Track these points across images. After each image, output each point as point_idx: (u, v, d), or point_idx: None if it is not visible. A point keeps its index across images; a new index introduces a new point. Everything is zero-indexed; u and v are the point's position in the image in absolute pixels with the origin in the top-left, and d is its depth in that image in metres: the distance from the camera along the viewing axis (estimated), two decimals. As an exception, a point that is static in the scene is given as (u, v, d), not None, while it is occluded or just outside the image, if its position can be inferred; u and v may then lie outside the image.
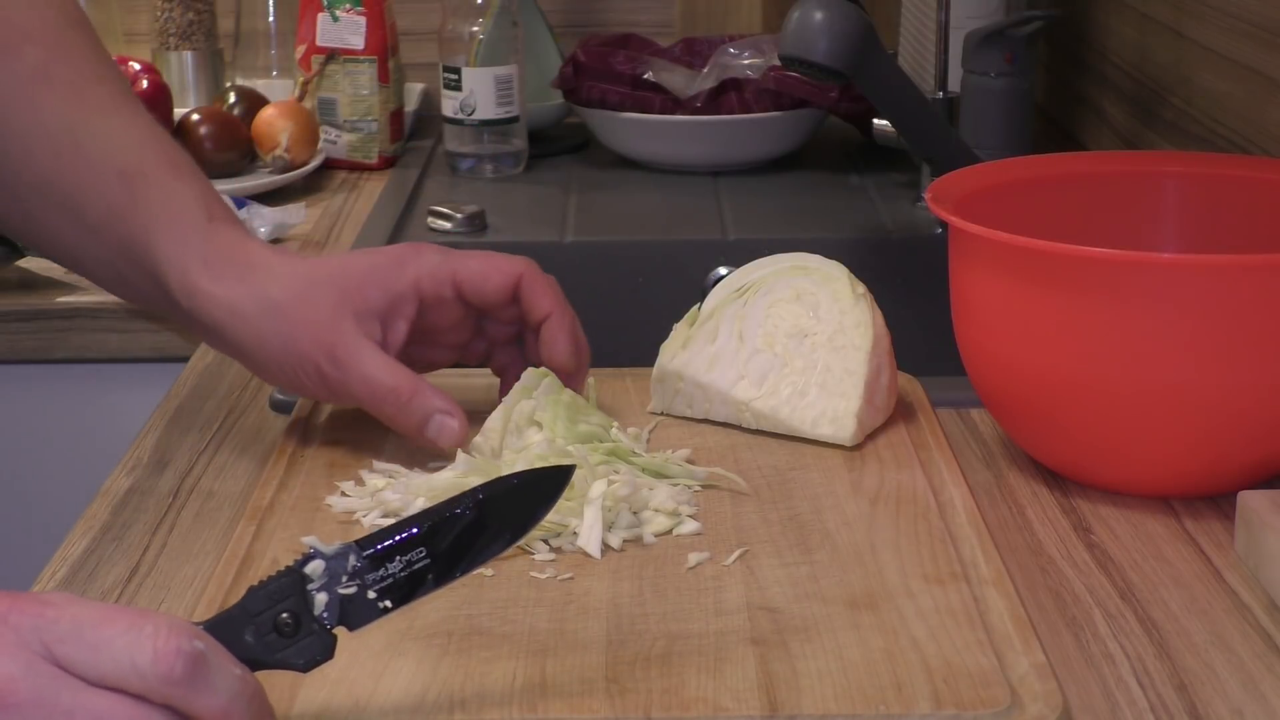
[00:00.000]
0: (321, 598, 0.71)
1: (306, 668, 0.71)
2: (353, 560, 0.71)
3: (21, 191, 1.04)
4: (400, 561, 0.72)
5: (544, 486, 0.76)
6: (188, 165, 1.04)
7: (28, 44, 1.04)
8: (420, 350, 1.03)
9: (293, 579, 0.71)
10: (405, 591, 0.72)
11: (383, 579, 0.72)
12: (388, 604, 0.72)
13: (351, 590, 0.71)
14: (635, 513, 0.91)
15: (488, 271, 1.00)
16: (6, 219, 1.08)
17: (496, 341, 1.05)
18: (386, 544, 0.72)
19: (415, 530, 0.72)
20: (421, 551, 0.72)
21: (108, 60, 1.07)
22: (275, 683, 0.75)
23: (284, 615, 0.70)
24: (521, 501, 0.75)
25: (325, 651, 0.71)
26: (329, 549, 0.71)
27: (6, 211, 1.07)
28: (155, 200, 1.01)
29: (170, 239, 1.00)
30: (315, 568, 0.71)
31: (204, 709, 0.66)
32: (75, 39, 1.06)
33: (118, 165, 1.02)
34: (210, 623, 0.70)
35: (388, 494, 0.93)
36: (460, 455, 0.94)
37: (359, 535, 0.90)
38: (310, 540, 0.73)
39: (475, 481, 0.90)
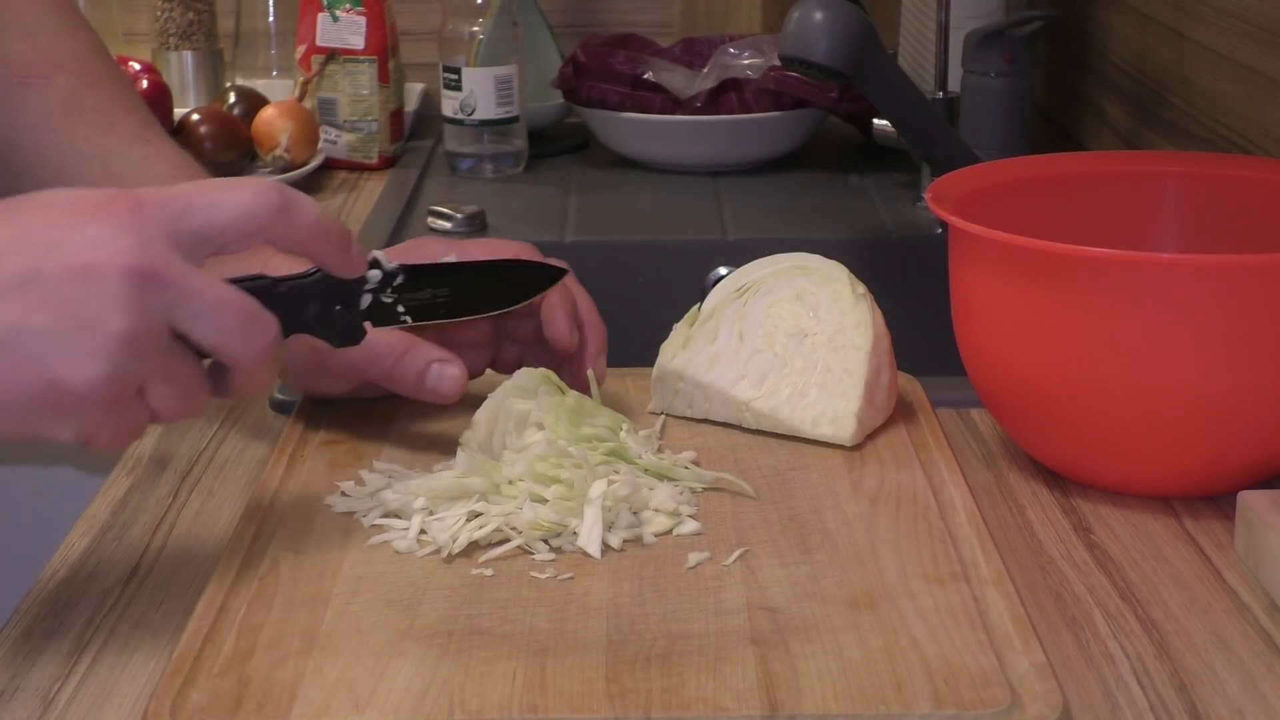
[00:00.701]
0: (367, 298, 0.90)
1: (338, 345, 0.89)
2: (401, 279, 0.91)
3: None
4: (429, 291, 0.92)
5: (543, 275, 0.98)
6: None
7: (59, 73, 1.07)
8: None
9: (356, 279, 0.88)
10: (422, 314, 0.92)
11: (413, 299, 0.91)
12: (408, 319, 0.92)
13: (389, 300, 0.90)
14: (635, 513, 0.91)
15: (484, 254, 1.01)
16: None
17: (522, 340, 1.05)
18: (426, 274, 0.92)
19: (449, 271, 0.93)
20: (446, 289, 0.93)
21: (133, 90, 1.11)
22: (275, 682, 0.76)
23: (336, 306, 0.88)
24: (523, 280, 0.97)
25: (356, 338, 0.90)
26: (390, 265, 0.90)
27: None
28: None
29: None
30: (374, 275, 0.89)
31: (305, 227, 0.82)
32: (102, 69, 1.10)
33: None
34: (285, 284, 0.86)
35: (388, 494, 0.93)
36: (460, 455, 0.94)
37: (360, 533, 0.90)
38: (378, 254, 0.90)
39: (475, 481, 0.91)
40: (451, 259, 0.96)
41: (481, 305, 0.96)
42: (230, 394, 0.83)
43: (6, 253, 0.76)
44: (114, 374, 0.76)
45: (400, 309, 0.91)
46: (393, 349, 0.99)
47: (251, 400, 0.86)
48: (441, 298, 0.93)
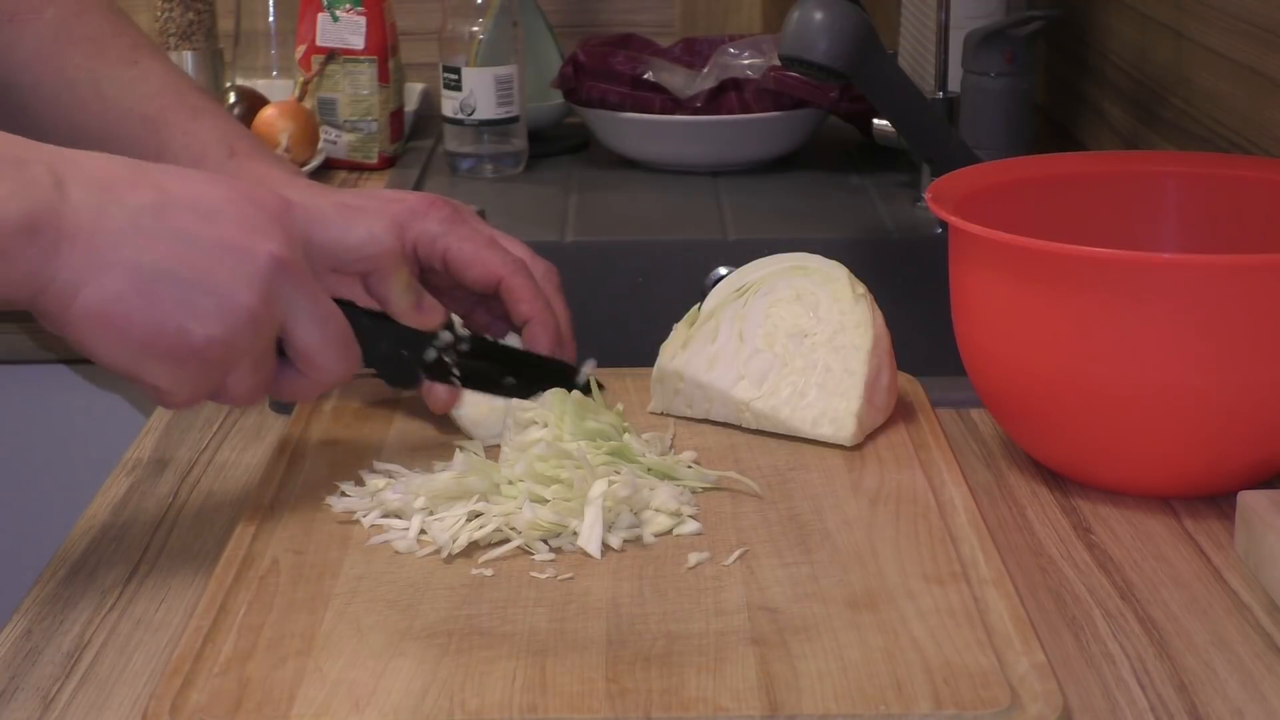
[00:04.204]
0: (431, 354, 0.96)
1: (392, 386, 0.98)
2: (465, 346, 0.97)
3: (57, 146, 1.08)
4: (484, 363, 0.98)
5: (573, 380, 1.00)
6: (206, 105, 1.09)
7: (48, 6, 1.09)
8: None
9: (428, 334, 0.95)
10: (470, 382, 0.98)
11: (469, 367, 0.97)
12: (458, 382, 0.98)
13: (449, 360, 0.96)
14: (635, 513, 0.91)
15: (472, 262, 1.02)
16: None
17: (496, 315, 1.06)
18: (488, 351, 0.98)
19: (507, 354, 1.00)
20: (498, 368, 0.98)
21: (122, 15, 1.13)
22: (275, 682, 0.76)
23: (404, 351, 0.95)
24: (559, 378, 0.99)
25: (411, 384, 0.97)
26: (464, 333, 0.97)
27: None
28: (178, 144, 1.05)
29: None
30: (444, 338, 0.96)
31: (404, 273, 0.93)
32: None
33: (139, 113, 1.07)
34: (368, 317, 0.92)
35: (388, 494, 0.93)
36: (458, 455, 0.94)
37: (360, 533, 0.90)
38: (456, 318, 0.98)
39: (475, 481, 0.91)
40: (514, 340, 1.02)
41: (518, 391, 0.99)
42: (283, 395, 0.90)
43: (180, 207, 0.83)
44: (229, 341, 0.83)
45: (456, 372, 0.97)
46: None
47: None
48: (494, 374, 0.98)
